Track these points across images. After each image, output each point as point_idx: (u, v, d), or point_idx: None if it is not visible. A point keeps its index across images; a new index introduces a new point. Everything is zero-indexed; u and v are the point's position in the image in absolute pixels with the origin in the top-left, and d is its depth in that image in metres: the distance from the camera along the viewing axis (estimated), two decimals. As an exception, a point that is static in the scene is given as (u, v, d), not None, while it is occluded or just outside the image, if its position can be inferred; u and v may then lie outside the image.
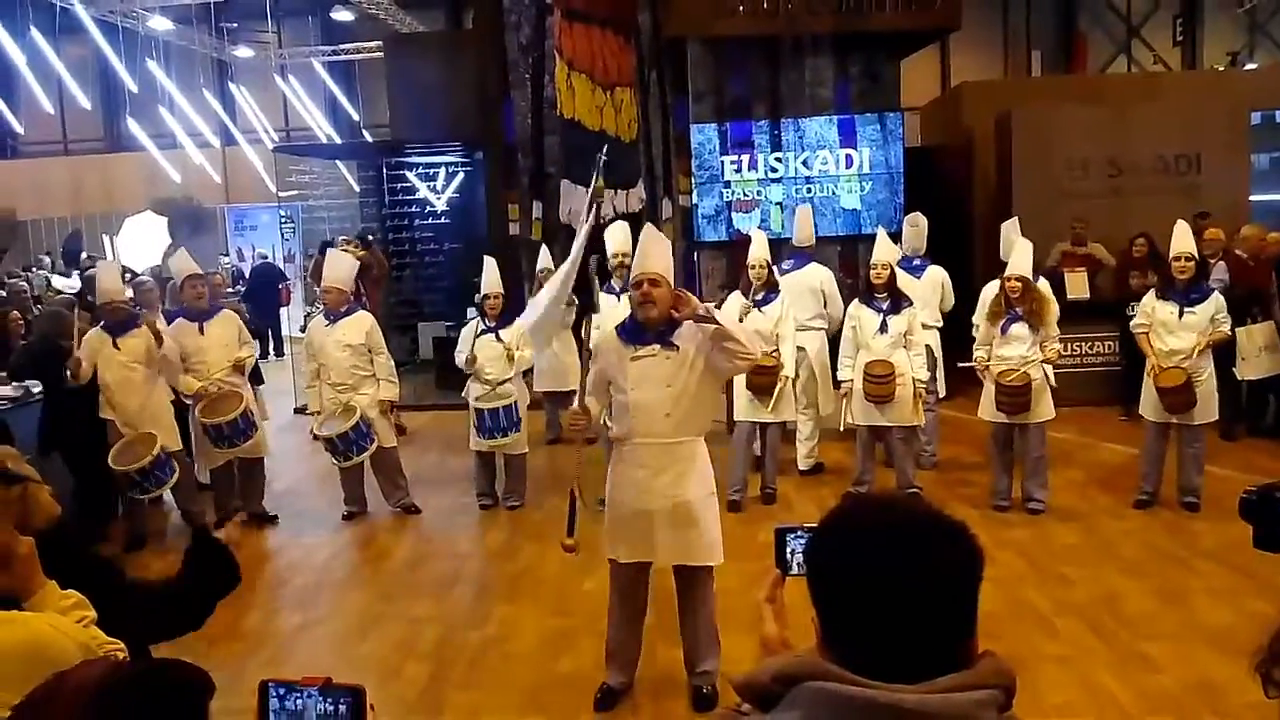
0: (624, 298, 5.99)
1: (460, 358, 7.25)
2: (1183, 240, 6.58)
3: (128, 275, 10.01)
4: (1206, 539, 6.09)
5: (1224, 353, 7.92)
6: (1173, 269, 6.59)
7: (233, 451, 7.05)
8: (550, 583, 5.81)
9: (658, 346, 4.13)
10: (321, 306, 7.44)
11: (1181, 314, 6.52)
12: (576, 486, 4.36)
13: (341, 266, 7.38)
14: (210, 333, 7.08)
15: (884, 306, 6.84)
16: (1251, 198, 11.30)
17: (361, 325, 7.17)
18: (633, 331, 4.19)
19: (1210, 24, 21.31)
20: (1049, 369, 6.63)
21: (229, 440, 6.93)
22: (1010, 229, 7.47)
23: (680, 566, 4.32)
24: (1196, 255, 6.61)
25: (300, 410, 10.96)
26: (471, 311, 7.57)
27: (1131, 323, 6.96)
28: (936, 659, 1.20)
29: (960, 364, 7.19)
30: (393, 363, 7.39)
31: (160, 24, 19.55)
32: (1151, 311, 6.68)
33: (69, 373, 6.49)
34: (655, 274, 4.12)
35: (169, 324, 7.10)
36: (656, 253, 4.21)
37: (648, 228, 4.42)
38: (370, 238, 12.13)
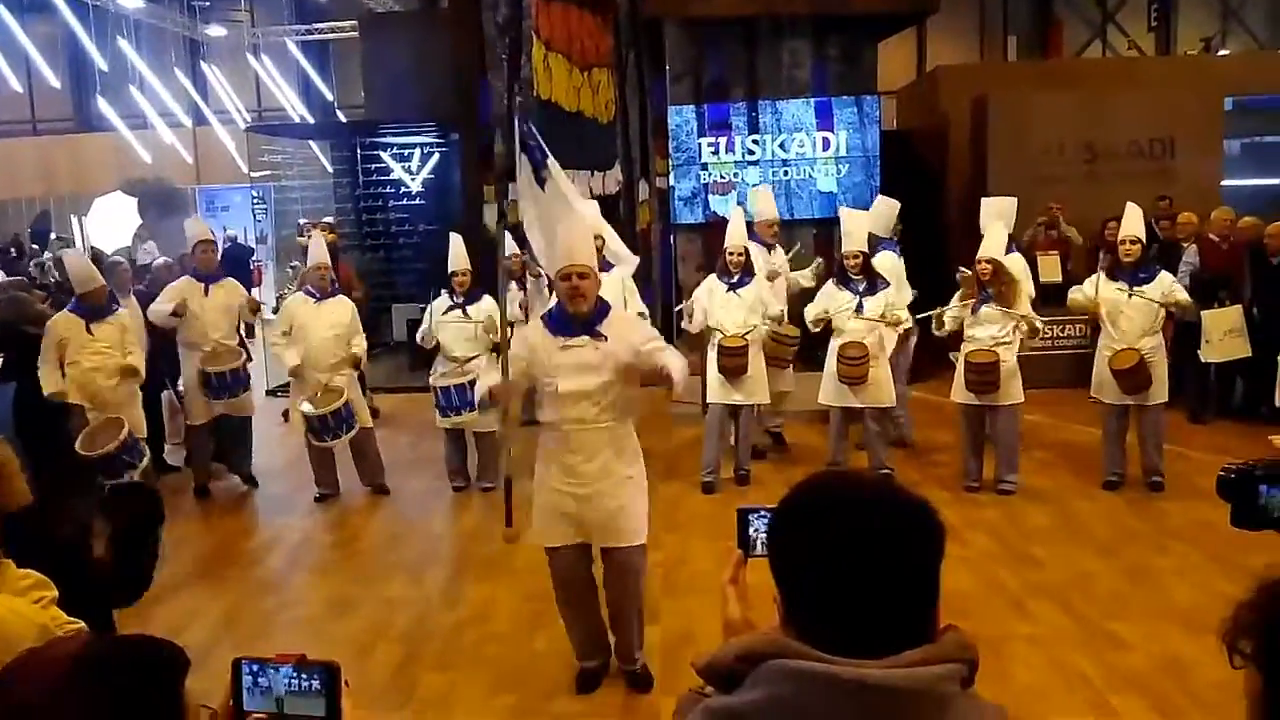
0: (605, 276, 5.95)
1: (420, 330, 7.25)
2: (1132, 223, 6.67)
3: (109, 258, 9.95)
4: (1175, 518, 6.16)
5: (1189, 336, 8.02)
6: (1119, 251, 6.71)
7: (223, 404, 7.37)
8: (524, 563, 5.78)
9: (586, 338, 4.13)
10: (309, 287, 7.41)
11: (1130, 294, 6.59)
12: (508, 475, 4.31)
13: (323, 246, 7.61)
14: (214, 295, 7.41)
15: (860, 289, 6.86)
16: (1224, 183, 11.39)
17: (346, 309, 7.32)
18: (561, 323, 4.18)
19: (1184, 10, 21.45)
20: (1012, 352, 6.65)
21: (230, 390, 7.31)
22: (992, 209, 7.46)
23: (613, 550, 4.28)
24: (1143, 239, 6.71)
25: (272, 393, 10.89)
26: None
27: (1072, 288, 7.05)
28: (899, 634, 1.20)
29: (918, 316, 7.21)
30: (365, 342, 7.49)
31: (131, 2, 19.29)
32: (1093, 288, 6.78)
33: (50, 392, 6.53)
34: (584, 267, 4.14)
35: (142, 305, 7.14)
36: (583, 245, 4.25)
37: (572, 218, 4.40)
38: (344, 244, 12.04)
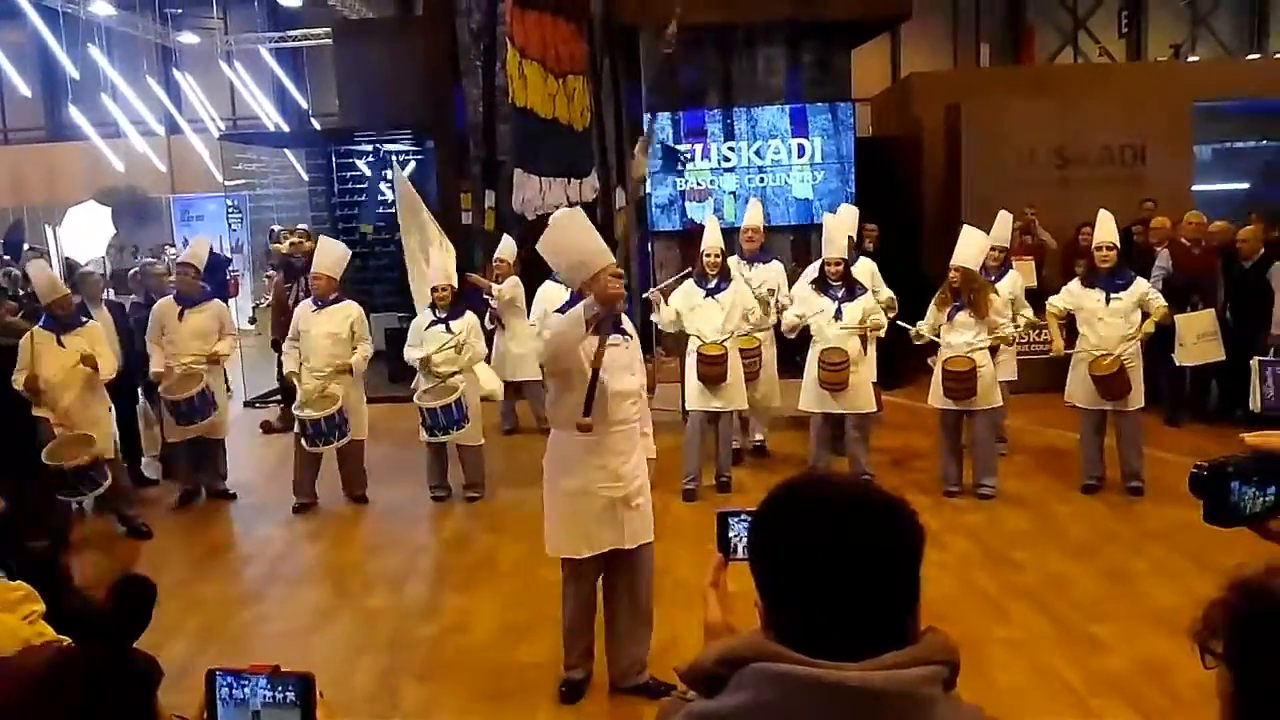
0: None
1: (410, 354, 7.18)
2: (1105, 230, 6.72)
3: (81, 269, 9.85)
4: (1152, 521, 6.21)
5: (1165, 340, 8.09)
6: (1095, 258, 6.75)
7: (192, 429, 7.28)
8: (506, 573, 5.78)
9: (619, 336, 4.19)
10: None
11: (1108, 300, 6.65)
12: (599, 354, 4.04)
13: (333, 254, 7.41)
14: (189, 320, 7.32)
15: (839, 295, 6.88)
16: (1194, 187, 11.51)
17: (348, 315, 7.21)
18: (600, 321, 4.13)
19: (1154, 16, 21.67)
20: (988, 358, 6.69)
21: (188, 417, 7.19)
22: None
23: (643, 546, 4.31)
24: (1118, 244, 6.76)
25: (250, 404, 10.82)
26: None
27: (1050, 299, 7.10)
28: (879, 636, 1.20)
29: (900, 322, 7.24)
30: (372, 350, 7.49)
31: (102, 9, 19.10)
32: (1071, 297, 6.85)
33: (23, 388, 6.46)
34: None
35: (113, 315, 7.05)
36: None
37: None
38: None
